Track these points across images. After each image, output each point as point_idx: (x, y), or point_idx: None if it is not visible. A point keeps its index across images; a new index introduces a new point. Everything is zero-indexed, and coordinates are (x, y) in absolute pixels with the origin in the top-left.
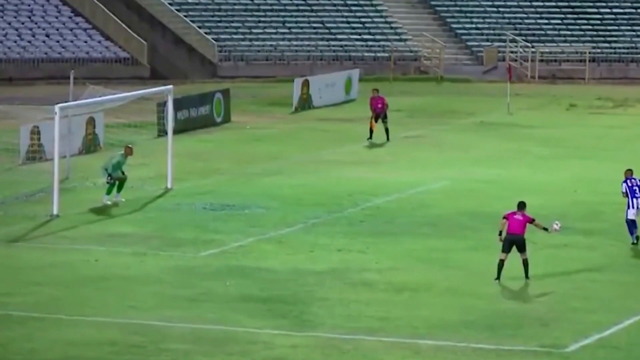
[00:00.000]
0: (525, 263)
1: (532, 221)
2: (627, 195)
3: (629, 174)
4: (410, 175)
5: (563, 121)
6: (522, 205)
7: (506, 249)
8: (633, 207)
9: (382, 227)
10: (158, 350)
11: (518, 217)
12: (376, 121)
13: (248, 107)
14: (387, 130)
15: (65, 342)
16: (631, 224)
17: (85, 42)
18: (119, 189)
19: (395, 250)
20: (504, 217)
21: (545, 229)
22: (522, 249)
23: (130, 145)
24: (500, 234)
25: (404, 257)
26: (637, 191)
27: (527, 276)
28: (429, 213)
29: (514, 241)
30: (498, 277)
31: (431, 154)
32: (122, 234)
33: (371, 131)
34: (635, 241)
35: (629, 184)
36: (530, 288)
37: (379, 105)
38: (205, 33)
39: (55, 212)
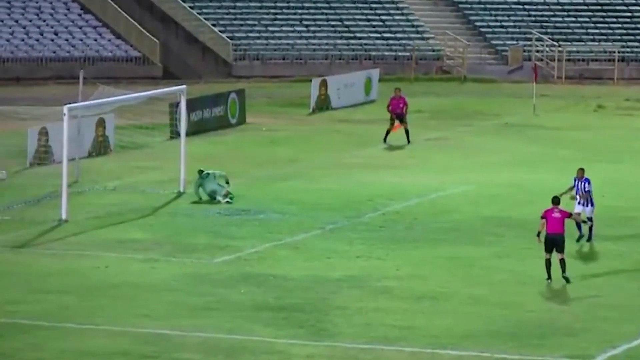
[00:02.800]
0: (563, 263)
1: (569, 216)
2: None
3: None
4: (432, 179)
5: (591, 123)
6: (557, 201)
7: (549, 249)
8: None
9: (402, 233)
10: None
11: (556, 214)
12: (401, 122)
13: (264, 108)
14: (407, 132)
15: (75, 352)
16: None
17: (95, 40)
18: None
19: (416, 257)
20: (542, 217)
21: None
22: (561, 248)
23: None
24: (538, 235)
25: (424, 264)
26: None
27: (565, 277)
28: (451, 218)
29: (554, 240)
30: (549, 277)
31: (454, 157)
32: (133, 240)
33: (387, 133)
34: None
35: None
36: (556, 297)
37: (400, 106)
38: (220, 31)
39: (64, 216)
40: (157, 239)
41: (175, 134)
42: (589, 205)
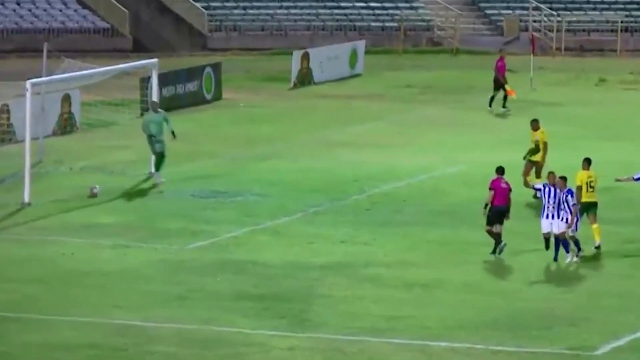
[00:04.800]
0: (500, 236)
1: (510, 190)
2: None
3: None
4: (423, 159)
5: (592, 98)
6: (501, 171)
7: (494, 221)
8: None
9: (391, 216)
10: (142, 353)
11: (504, 185)
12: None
13: (242, 83)
14: (493, 99)
15: (40, 345)
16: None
17: (61, 10)
18: (158, 166)
19: (406, 242)
20: (491, 188)
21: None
22: (502, 220)
23: (154, 100)
24: (486, 207)
25: (415, 249)
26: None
27: (500, 249)
28: (443, 201)
29: (501, 212)
30: (494, 252)
31: (446, 135)
32: (102, 225)
33: (505, 98)
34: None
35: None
36: (556, 284)
37: (505, 68)
38: (194, 0)
39: (27, 200)
40: (127, 224)
41: (146, 111)
42: (566, 218)
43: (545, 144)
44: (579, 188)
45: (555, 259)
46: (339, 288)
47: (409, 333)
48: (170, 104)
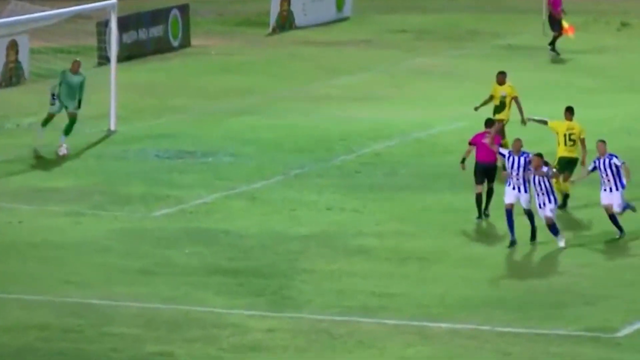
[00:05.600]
0: (491, 193)
1: (501, 144)
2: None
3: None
4: (419, 114)
5: (613, 44)
6: (491, 123)
7: (481, 180)
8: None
9: (383, 179)
10: (100, 335)
11: (488, 140)
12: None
13: (213, 28)
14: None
15: None
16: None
17: None
18: (66, 130)
19: (400, 209)
20: (471, 142)
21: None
22: (492, 178)
23: (77, 59)
24: (463, 161)
25: (410, 217)
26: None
27: (486, 213)
28: (442, 162)
29: (487, 170)
30: (479, 216)
31: (444, 87)
32: (54, 189)
33: (555, 38)
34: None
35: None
36: (572, 257)
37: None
38: None
39: None
40: (83, 188)
41: (105, 60)
42: (549, 199)
43: (516, 99)
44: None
45: (533, 239)
46: (324, 262)
47: (404, 313)
48: (132, 52)
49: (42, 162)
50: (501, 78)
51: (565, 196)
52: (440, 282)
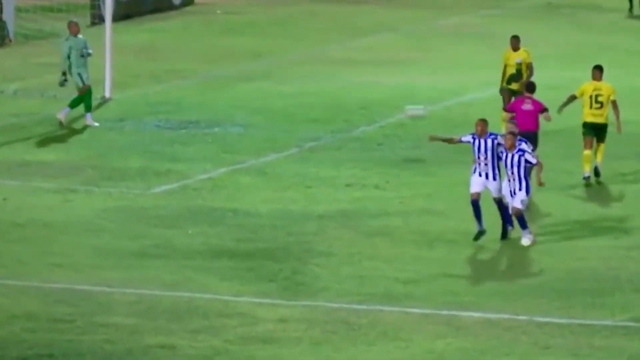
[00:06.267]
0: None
1: (543, 110)
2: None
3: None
4: (448, 80)
5: None
6: (532, 87)
7: None
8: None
9: (409, 152)
10: (92, 325)
11: (527, 106)
12: None
13: None
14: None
15: None
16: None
17: None
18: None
19: (427, 185)
20: (508, 110)
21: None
22: (533, 148)
23: (74, 20)
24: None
25: (438, 195)
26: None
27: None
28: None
29: (526, 140)
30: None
31: (478, 50)
32: (42, 163)
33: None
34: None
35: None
36: (618, 239)
37: None
38: None
39: None
40: (73, 162)
41: (98, 19)
42: (520, 187)
43: (530, 67)
44: (573, 97)
45: (503, 237)
46: (342, 244)
47: (432, 301)
48: (130, 10)
49: (28, 132)
50: (515, 43)
51: (595, 169)
52: (472, 266)
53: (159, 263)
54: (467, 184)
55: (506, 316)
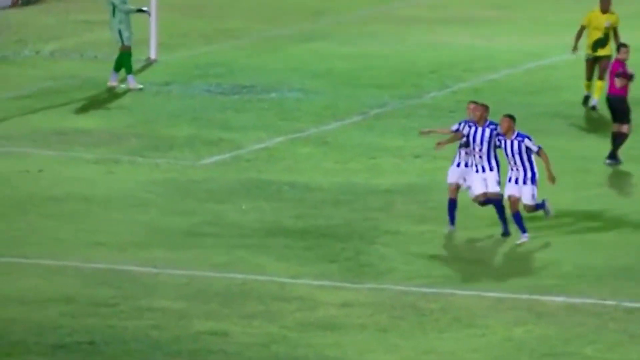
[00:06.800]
0: (620, 137)
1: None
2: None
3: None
4: (527, 41)
5: None
6: (625, 49)
7: (616, 119)
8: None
9: None
10: (137, 310)
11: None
12: None
13: None
14: None
15: None
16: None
17: None
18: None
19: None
20: (622, 74)
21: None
22: (622, 117)
23: None
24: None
25: None
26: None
27: (614, 157)
28: (557, 100)
29: (612, 107)
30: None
31: (560, 8)
32: (81, 131)
33: None
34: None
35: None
36: None
37: None
38: None
39: None
40: (116, 130)
41: None
42: (524, 175)
43: (616, 32)
44: (582, 29)
45: (505, 233)
46: (410, 221)
47: (510, 284)
48: None
49: (66, 97)
50: (606, 4)
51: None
52: (555, 246)
53: (209, 242)
54: (554, 155)
55: (592, 301)
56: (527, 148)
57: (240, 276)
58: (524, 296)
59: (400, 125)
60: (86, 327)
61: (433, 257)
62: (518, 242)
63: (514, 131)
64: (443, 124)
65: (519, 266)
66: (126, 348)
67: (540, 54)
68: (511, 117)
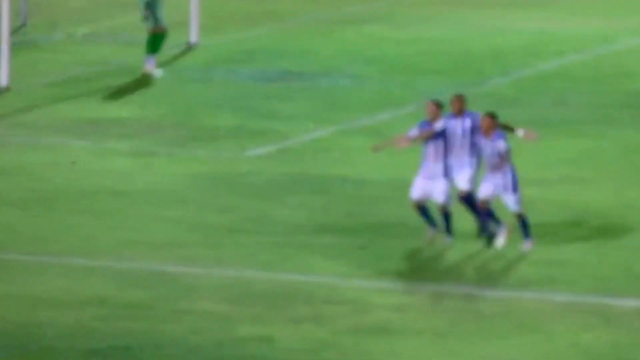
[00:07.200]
0: None
1: None
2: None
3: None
4: (597, 24)
5: None
6: None
7: None
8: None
9: (549, 110)
10: (176, 313)
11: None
12: None
13: None
14: None
15: (21, 299)
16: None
17: None
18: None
19: (571, 149)
20: None
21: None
22: None
23: None
24: None
25: (584, 160)
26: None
27: None
28: (627, 88)
29: None
30: None
31: None
32: (116, 120)
33: None
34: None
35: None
36: None
37: None
38: None
39: (4, 82)
40: (152, 120)
41: None
42: (503, 179)
43: None
44: None
45: (484, 233)
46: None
47: (578, 287)
48: None
49: (99, 84)
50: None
51: None
52: (626, 247)
53: (253, 240)
54: (618, 150)
55: None
56: (505, 147)
57: (286, 277)
58: (592, 299)
59: None
60: (121, 332)
61: (494, 258)
62: (496, 246)
63: (494, 131)
64: (505, 114)
65: (587, 267)
66: (163, 354)
67: (610, 38)
68: (493, 116)
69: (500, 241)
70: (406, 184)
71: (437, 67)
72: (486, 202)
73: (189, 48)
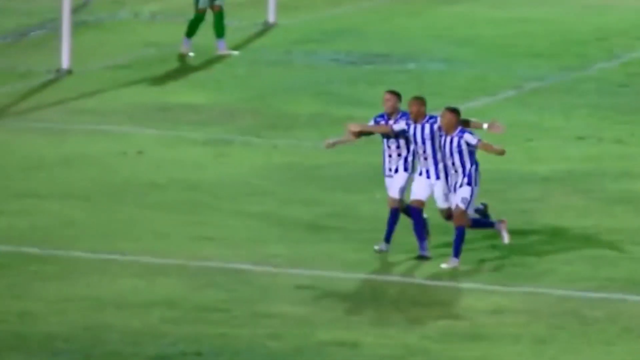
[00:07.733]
0: None
1: None
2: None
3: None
4: None
5: None
6: None
7: None
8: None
9: None
10: (251, 316)
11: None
12: None
13: None
14: None
15: (82, 300)
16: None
17: None
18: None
19: None
20: None
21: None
22: None
23: None
24: None
25: None
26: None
27: None
28: None
29: None
30: None
31: None
32: (187, 106)
33: None
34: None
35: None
36: None
37: None
38: None
39: (65, 65)
40: (227, 106)
41: None
42: (461, 178)
43: None
44: None
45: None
46: (573, 214)
47: None
48: None
49: (169, 67)
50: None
51: None
52: None
53: (336, 237)
54: None
55: None
56: (468, 144)
57: (372, 277)
58: None
59: (561, 101)
60: (192, 336)
61: (599, 257)
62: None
63: (456, 127)
64: (611, 102)
65: None
66: None
67: None
68: (455, 111)
69: (505, 237)
70: (503, 176)
71: (536, 50)
72: (421, 202)
73: (266, 28)
